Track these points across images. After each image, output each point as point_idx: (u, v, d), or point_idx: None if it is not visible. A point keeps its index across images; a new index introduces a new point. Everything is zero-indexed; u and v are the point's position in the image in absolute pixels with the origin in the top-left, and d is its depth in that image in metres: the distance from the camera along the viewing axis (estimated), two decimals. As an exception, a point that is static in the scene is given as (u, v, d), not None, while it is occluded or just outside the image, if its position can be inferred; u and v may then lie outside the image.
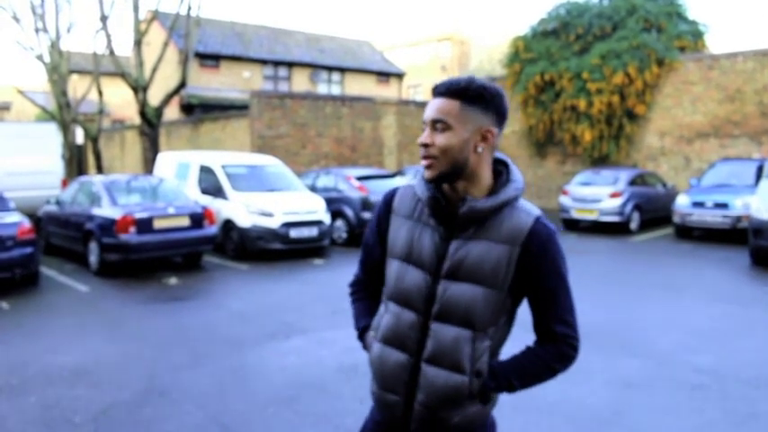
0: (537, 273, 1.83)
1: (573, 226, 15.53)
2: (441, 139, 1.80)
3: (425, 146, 1.82)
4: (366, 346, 2.07)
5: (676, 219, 13.67)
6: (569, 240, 13.57)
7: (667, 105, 18.48)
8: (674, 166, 18.34)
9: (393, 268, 1.97)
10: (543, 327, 1.89)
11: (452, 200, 1.88)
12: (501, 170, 1.93)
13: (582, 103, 19.13)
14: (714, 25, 44.33)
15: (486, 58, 39.32)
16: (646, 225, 15.28)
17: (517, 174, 1.92)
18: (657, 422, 4.50)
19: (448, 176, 1.83)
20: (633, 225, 14.76)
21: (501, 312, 1.86)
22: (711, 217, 13.04)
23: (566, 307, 1.87)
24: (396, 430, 1.96)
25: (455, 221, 1.86)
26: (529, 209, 1.88)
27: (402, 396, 1.91)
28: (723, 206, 12.91)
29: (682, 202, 13.57)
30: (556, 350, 1.87)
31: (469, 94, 1.80)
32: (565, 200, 15.31)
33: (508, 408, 4.70)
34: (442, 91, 1.83)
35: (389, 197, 2.04)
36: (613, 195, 14.47)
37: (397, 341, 1.92)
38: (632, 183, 14.93)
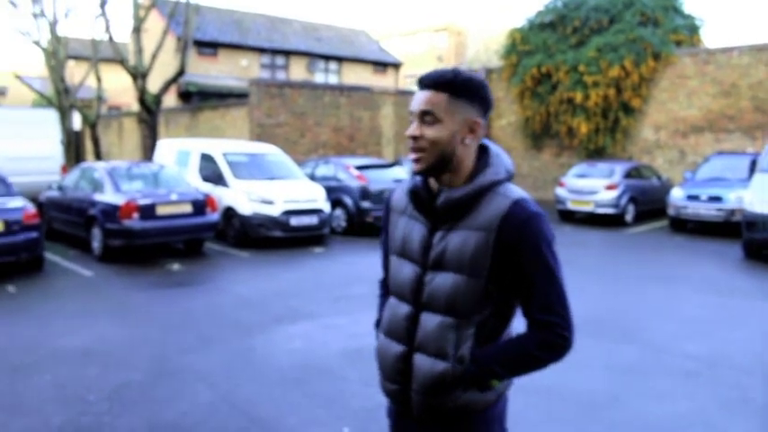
0: (515, 258, 1.79)
1: (569, 217, 15.72)
2: (430, 132, 1.82)
3: (414, 138, 1.85)
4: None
5: (671, 211, 13.86)
6: (564, 232, 13.75)
7: (663, 99, 18.65)
8: (669, 159, 18.54)
9: (392, 264, 2.05)
10: (528, 314, 1.85)
11: (436, 192, 1.91)
12: (481, 157, 1.92)
13: (578, 96, 19.29)
14: (710, 20, 44.48)
15: (483, 49, 39.39)
16: (641, 217, 15.46)
17: (498, 159, 1.91)
18: (651, 406, 4.68)
19: (435, 169, 1.86)
20: (628, 217, 14.95)
21: (485, 300, 1.84)
22: (705, 210, 13.23)
23: (550, 293, 1.81)
24: (404, 416, 2.03)
25: (436, 213, 1.90)
26: (509, 192, 1.84)
27: (400, 385, 1.96)
28: (717, 199, 13.10)
29: (676, 194, 13.76)
30: (539, 338, 1.82)
31: (456, 87, 1.82)
32: (561, 191, 15.47)
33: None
34: (428, 83, 1.84)
35: (389, 198, 2.13)
36: (609, 187, 14.64)
37: (394, 333, 1.98)
38: (628, 175, 15.10)
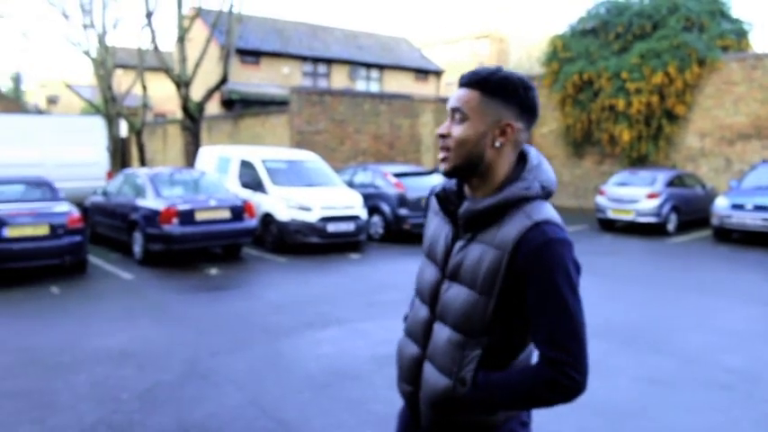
0: (525, 285, 1.66)
1: (609, 226, 15.47)
2: (457, 131, 1.74)
3: (442, 136, 1.77)
4: None
5: (715, 221, 13.54)
6: (604, 241, 13.57)
7: (708, 106, 18.25)
8: (714, 167, 18.12)
9: (421, 263, 1.99)
10: (539, 348, 1.69)
11: (466, 198, 1.84)
12: (518, 166, 1.80)
13: (620, 103, 19.01)
14: (759, 24, 43.39)
15: (525, 56, 39.17)
16: (684, 227, 15.15)
17: (534, 172, 1.77)
18: (681, 419, 4.59)
19: (462, 170, 1.77)
20: (670, 226, 14.66)
21: (497, 323, 1.72)
22: (751, 219, 12.90)
23: (561, 328, 1.63)
24: (415, 419, 1.96)
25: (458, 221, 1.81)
26: (533, 213, 1.70)
27: (415, 387, 1.90)
28: (763, 209, 12.75)
29: (721, 204, 13.44)
30: (546, 377, 1.65)
31: (490, 85, 1.72)
32: (601, 200, 15.26)
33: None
34: (463, 81, 1.77)
35: (431, 194, 2.01)
36: (650, 196, 14.39)
37: (413, 334, 1.93)
38: (670, 184, 14.82)
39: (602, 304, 8.08)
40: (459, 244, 1.80)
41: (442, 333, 1.81)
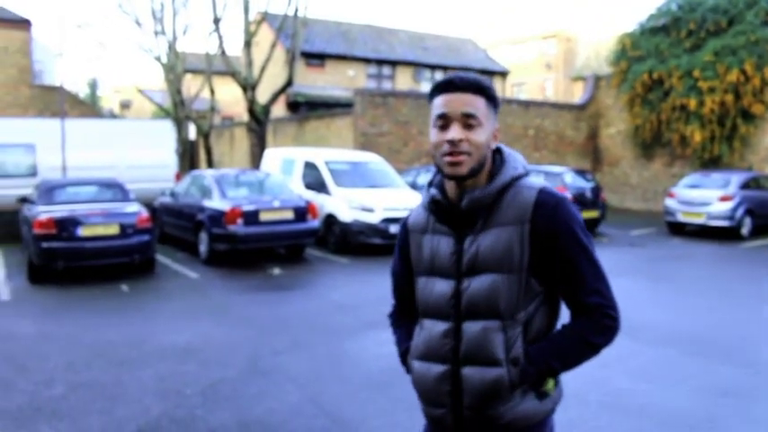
0: (553, 244, 1.77)
1: (679, 230, 14.98)
2: (474, 135, 1.79)
3: (459, 141, 1.78)
4: (409, 369, 2.03)
5: (793, 224, 12.95)
6: (673, 245, 13.15)
7: (789, 105, 17.48)
8: (793, 169, 17.34)
9: (420, 285, 1.97)
10: (574, 301, 1.82)
11: (455, 200, 1.88)
12: (495, 158, 1.91)
13: (692, 103, 18.41)
14: None
15: (593, 55, 38.38)
16: (760, 231, 14.54)
17: (512, 156, 1.91)
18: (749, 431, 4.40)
19: (475, 172, 1.82)
20: (744, 230, 14.09)
21: (529, 296, 1.80)
22: (832, 223, 12.28)
23: (593, 275, 1.79)
24: None
25: (462, 219, 1.86)
26: (531, 184, 1.84)
27: (449, 407, 1.86)
28: None
29: (799, 206, 12.85)
30: (592, 323, 1.80)
31: (491, 93, 1.84)
32: (670, 202, 14.80)
33: (596, 406, 4.73)
34: (466, 86, 1.81)
35: (405, 220, 2.07)
36: (723, 199, 13.86)
37: (433, 354, 1.89)
38: (745, 186, 14.25)
39: (668, 310, 7.84)
40: (468, 240, 1.85)
41: (475, 329, 1.82)
